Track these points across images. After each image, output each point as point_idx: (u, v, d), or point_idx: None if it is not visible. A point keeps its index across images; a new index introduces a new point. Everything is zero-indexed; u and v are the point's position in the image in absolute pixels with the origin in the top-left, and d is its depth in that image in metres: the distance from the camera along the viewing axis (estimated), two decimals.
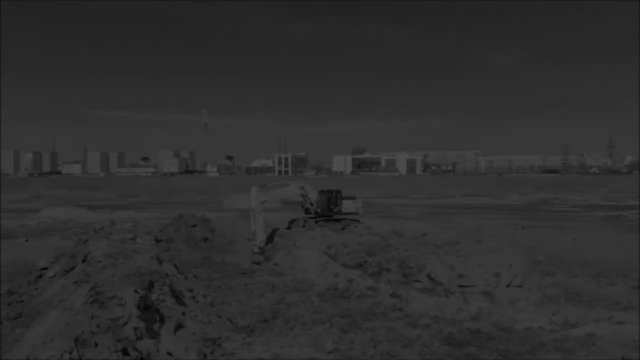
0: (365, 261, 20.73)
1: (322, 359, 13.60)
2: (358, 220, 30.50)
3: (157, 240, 20.83)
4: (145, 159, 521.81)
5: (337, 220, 30.20)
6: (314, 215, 30.69)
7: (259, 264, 26.53)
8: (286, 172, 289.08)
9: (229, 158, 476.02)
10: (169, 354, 13.22)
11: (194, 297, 17.94)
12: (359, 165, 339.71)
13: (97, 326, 11.96)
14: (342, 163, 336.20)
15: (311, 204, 30.80)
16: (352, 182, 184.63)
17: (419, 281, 18.08)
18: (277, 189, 30.41)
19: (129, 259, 16.91)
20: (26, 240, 38.31)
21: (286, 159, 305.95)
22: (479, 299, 17.06)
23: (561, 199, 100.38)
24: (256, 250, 27.76)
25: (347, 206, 30.89)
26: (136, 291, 12.91)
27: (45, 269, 21.29)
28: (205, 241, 30.66)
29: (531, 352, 13.95)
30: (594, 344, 13.99)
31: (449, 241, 21.54)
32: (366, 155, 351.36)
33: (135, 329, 12.60)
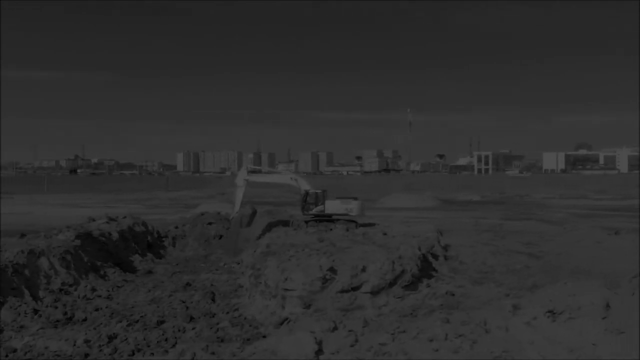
0: None
1: (66, 352, 14.24)
2: (355, 222, 29.63)
3: (78, 236, 22.40)
4: (359, 158, 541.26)
5: (333, 221, 29.52)
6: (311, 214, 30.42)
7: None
8: (486, 170, 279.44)
9: (440, 156, 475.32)
10: None
11: (63, 289, 19.35)
12: (573, 162, 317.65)
13: None
14: (553, 160, 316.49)
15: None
16: (540, 180, 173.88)
17: (260, 283, 17.69)
18: (269, 174, 32.32)
19: (5, 251, 18.72)
20: None
21: (486, 156, 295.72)
22: (295, 304, 16.27)
23: None
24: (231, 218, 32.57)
25: (332, 207, 29.96)
26: None
27: None
28: (220, 238, 31.83)
29: None
30: None
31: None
32: (581, 151, 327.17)
33: None
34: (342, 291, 16.66)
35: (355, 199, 31.50)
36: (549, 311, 10.00)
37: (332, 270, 16.88)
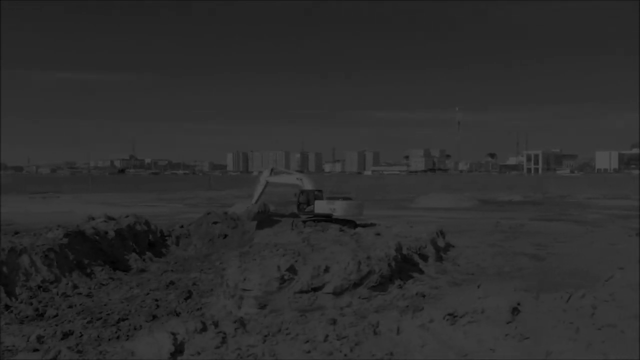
0: None
1: (18, 347, 14.60)
2: (353, 222, 29.45)
3: (67, 235, 22.86)
4: (406, 157, 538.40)
5: (331, 221, 29.38)
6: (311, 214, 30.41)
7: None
8: (536, 169, 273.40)
9: (491, 156, 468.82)
10: None
11: (41, 287, 19.83)
12: (627, 162, 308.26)
13: None
14: (606, 160, 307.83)
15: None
16: (588, 180, 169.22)
17: (223, 283, 17.79)
18: (281, 174, 33.78)
19: None
20: None
21: (536, 156, 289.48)
22: (251, 304, 16.29)
23: None
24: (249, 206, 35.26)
25: (320, 207, 29.87)
26: None
27: None
28: (225, 237, 32.03)
29: None
30: None
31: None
32: (635, 150, 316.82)
33: None
34: (302, 292, 16.60)
35: (349, 198, 31.36)
36: (449, 314, 9.77)
37: (292, 270, 16.84)
